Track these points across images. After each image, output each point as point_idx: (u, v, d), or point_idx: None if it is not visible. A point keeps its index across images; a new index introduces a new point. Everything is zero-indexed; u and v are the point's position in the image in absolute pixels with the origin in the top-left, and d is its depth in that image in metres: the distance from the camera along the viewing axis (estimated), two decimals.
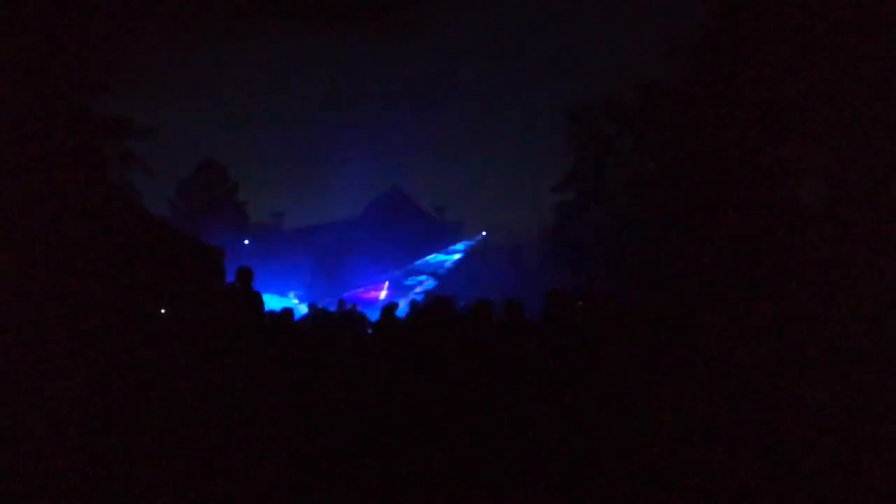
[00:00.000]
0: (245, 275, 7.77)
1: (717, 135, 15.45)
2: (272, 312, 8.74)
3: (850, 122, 13.57)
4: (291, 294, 20.65)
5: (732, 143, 15.16)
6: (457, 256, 23.06)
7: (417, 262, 23.79)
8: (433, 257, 23.64)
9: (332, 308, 13.39)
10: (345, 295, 19.79)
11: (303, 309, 15.79)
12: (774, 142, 15.16)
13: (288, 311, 8.37)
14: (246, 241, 27.36)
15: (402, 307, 13.55)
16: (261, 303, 7.85)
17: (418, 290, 20.24)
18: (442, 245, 24.84)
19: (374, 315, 11.70)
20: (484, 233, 23.85)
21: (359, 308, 14.63)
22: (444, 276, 22.40)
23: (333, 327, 9.30)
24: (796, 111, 14.51)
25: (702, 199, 15.64)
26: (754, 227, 14.51)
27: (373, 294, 21.52)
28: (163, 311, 10.06)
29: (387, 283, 22.04)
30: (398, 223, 30.93)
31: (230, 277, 12.09)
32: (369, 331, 9.91)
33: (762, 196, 14.77)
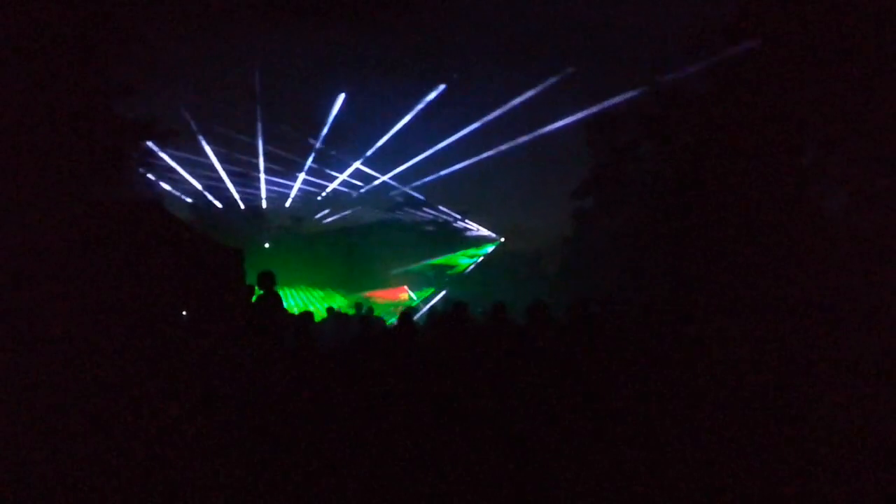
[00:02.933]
0: (267, 277, 7.86)
1: (737, 141, 15.38)
2: (293, 315, 8.83)
3: (871, 129, 13.46)
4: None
5: (752, 149, 15.08)
6: (478, 259, 23.15)
7: (430, 263, 23.90)
8: (446, 259, 23.77)
9: (351, 311, 13.50)
10: (364, 295, 19.95)
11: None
12: (796, 148, 15.06)
13: (308, 314, 8.45)
14: (266, 245, 27.56)
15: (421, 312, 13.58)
16: (282, 305, 7.93)
17: (435, 300, 20.35)
18: (459, 249, 24.93)
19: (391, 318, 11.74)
20: (503, 238, 23.83)
21: (373, 312, 14.70)
22: (457, 282, 22.45)
23: (353, 330, 9.37)
24: (818, 117, 14.41)
25: (721, 207, 15.56)
26: (775, 234, 14.41)
27: (392, 295, 21.66)
28: (184, 313, 10.16)
29: (406, 287, 22.17)
30: (418, 227, 31.07)
31: (250, 279, 12.23)
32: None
33: (783, 203, 14.67)
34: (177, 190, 22.26)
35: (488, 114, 20.25)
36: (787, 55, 14.63)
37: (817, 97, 14.31)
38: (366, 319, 9.80)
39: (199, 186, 24.86)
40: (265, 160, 22.56)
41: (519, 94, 20.10)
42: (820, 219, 14.43)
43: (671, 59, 18.45)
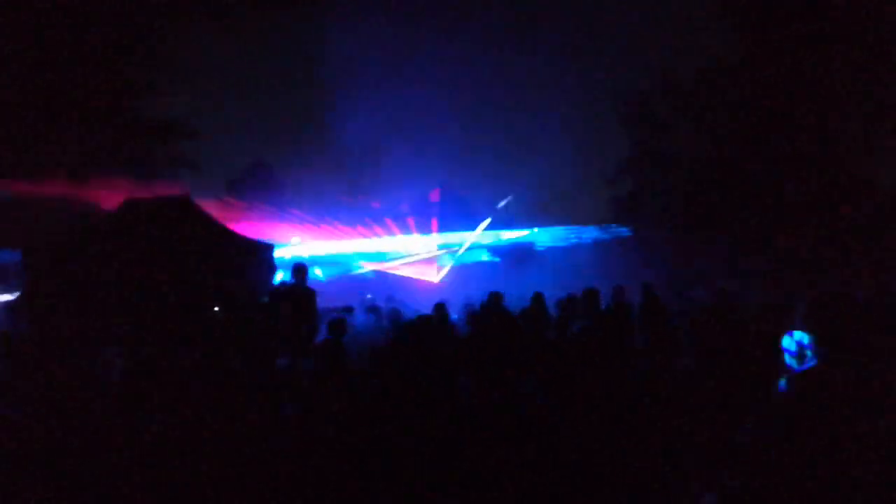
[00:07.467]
0: (301, 270, 7.78)
1: (782, 116, 14.76)
2: (327, 308, 8.66)
3: None
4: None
5: (799, 125, 14.46)
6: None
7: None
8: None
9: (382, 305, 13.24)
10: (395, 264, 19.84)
11: None
12: (843, 121, 14.39)
13: (347, 308, 8.32)
14: (297, 239, 27.57)
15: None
16: (314, 298, 7.81)
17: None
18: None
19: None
20: (536, 229, 23.45)
21: (406, 307, 14.42)
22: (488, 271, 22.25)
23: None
24: (867, 88, 13.77)
25: (768, 188, 14.96)
26: (826, 211, 13.80)
27: (421, 269, 21.59)
28: (216, 308, 10.02)
29: (435, 261, 22.19)
30: (448, 220, 30.90)
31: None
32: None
33: (834, 179, 14.04)
34: (204, 186, 22.40)
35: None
36: (828, 26, 14.01)
37: (858, 65, 13.66)
38: (395, 313, 9.58)
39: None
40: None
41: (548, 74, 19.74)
42: (872, 191, 13.75)
43: (701, 31, 17.86)
